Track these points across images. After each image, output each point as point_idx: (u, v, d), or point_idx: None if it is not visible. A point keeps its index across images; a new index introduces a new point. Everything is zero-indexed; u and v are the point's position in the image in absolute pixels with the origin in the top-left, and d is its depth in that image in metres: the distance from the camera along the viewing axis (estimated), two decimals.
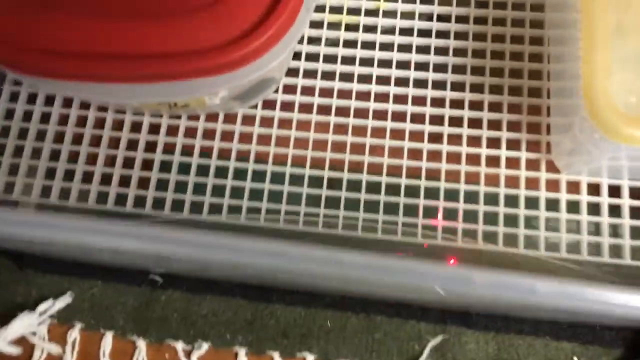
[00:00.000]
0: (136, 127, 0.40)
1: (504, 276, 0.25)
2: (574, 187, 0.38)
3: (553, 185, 0.37)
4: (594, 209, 0.37)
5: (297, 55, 0.40)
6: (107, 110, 0.40)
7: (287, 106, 0.40)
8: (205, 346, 0.40)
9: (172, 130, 0.40)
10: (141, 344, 0.40)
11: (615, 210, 0.37)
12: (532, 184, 0.38)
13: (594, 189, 0.38)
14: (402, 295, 0.39)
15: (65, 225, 0.28)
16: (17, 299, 0.42)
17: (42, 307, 0.41)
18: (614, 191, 0.38)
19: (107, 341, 0.41)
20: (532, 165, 0.38)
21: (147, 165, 0.39)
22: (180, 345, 0.40)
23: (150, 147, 0.40)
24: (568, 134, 0.34)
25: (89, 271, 0.42)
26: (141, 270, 0.42)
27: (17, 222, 0.28)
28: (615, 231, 0.37)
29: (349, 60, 0.40)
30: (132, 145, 0.40)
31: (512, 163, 0.38)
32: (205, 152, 0.39)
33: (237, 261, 0.29)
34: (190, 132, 0.40)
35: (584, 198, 0.37)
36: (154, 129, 0.40)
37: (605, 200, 0.37)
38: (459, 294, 0.26)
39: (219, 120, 0.39)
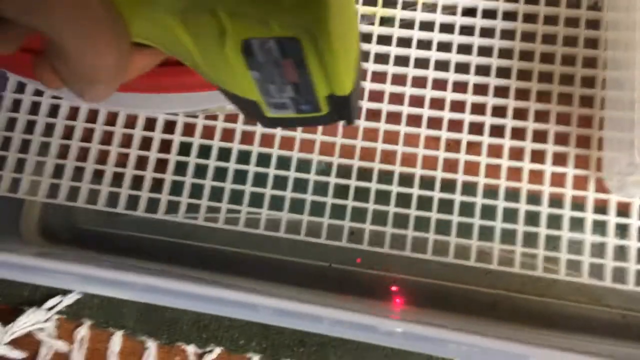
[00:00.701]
0: (150, 125, 0.38)
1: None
2: (623, 209, 0.34)
3: (600, 206, 0.34)
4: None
5: None
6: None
7: None
8: (217, 350, 0.38)
9: (189, 130, 0.37)
10: (151, 345, 0.39)
11: None
12: (576, 202, 0.34)
13: None
14: None
15: (61, 272, 0.26)
16: (24, 293, 0.40)
17: (50, 303, 0.39)
18: None
19: (116, 340, 0.39)
20: (579, 182, 0.35)
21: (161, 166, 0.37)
22: (191, 349, 0.39)
23: (165, 146, 0.37)
24: (626, 152, 0.31)
25: None
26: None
27: (17, 267, 0.27)
28: None
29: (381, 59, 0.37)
30: (146, 144, 0.37)
31: (557, 179, 0.35)
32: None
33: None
34: (209, 131, 0.37)
35: (636, 223, 0.34)
36: (169, 127, 0.37)
37: None
38: None
39: (238, 121, 0.36)
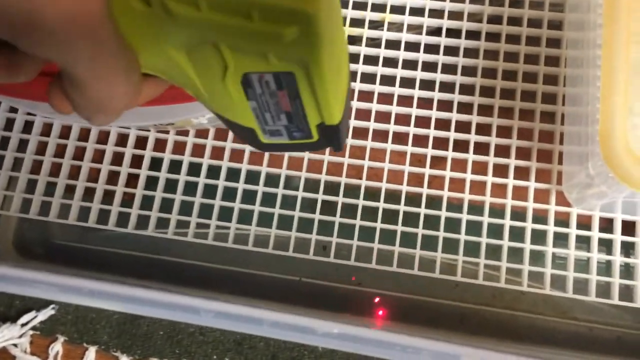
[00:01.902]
0: (123, 139, 0.39)
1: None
2: (585, 221, 0.35)
3: (563, 219, 0.35)
4: (606, 245, 0.35)
5: None
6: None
7: None
8: None
9: (161, 146, 0.38)
10: None
11: (629, 248, 0.35)
12: (539, 215, 0.35)
13: (608, 224, 0.35)
14: None
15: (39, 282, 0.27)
16: None
17: (24, 318, 0.40)
18: (629, 227, 0.35)
19: (90, 355, 0.39)
20: (542, 196, 0.35)
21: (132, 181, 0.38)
22: None
23: (136, 161, 0.38)
24: (582, 167, 0.32)
25: None
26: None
27: None
28: (628, 271, 0.35)
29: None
30: (118, 159, 0.38)
31: (520, 192, 0.36)
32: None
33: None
34: (179, 147, 0.38)
35: (596, 234, 0.35)
36: (141, 143, 0.38)
37: (618, 237, 0.35)
38: None
39: (209, 136, 0.37)
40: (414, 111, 0.37)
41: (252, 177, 0.37)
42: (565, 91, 0.36)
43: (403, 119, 0.37)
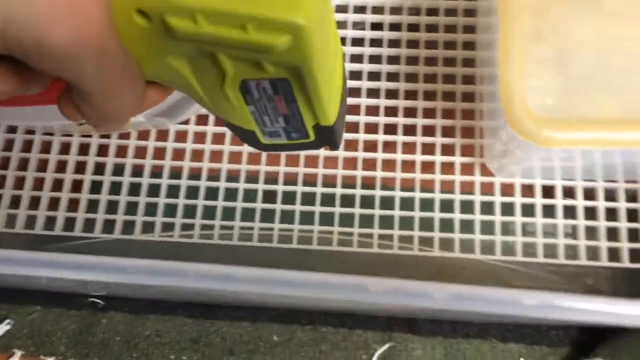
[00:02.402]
0: (65, 148, 0.40)
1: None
2: (508, 189, 0.38)
3: (488, 188, 0.38)
4: (529, 209, 0.37)
5: None
6: (34, 133, 0.39)
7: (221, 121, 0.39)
8: None
9: (103, 150, 0.39)
10: None
11: (549, 210, 0.38)
12: (467, 187, 0.38)
13: (529, 190, 0.38)
14: (344, 305, 0.39)
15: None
16: None
17: None
18: (549, 191, 0.38)
19: None
20: (467, 169, 0.38)
21: (77, 186, 0.39)
22: None
23: (80, 167, 0.39)
24: (497, 137, 0.34)
25: (27, 296, 0.41)
26: (82, 293, 0.42)
27: None
28: (550, 231, 0.38)
29: None
30: (61, 166, 0.39)
31: (447, 168, 0.38)
32: (139, 171, 0.39)
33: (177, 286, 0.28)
34: (122, 151, 0.39)
35: (518, 200, 0.37)
36: (84, 149, 0.39)
37: (539, 201, 0.37)
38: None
39: (150, 137, 0.39)
40: None
41: (194, 177, 0.38)
42: (482, 72, 0.39)
43: None
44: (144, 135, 0.39)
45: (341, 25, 0.41)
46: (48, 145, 0.40)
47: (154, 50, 0.18)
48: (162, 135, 0.39)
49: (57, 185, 0.39)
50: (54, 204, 0.38)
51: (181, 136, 0.39)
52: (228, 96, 0.19)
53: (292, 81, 0.18)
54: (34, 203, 0.38)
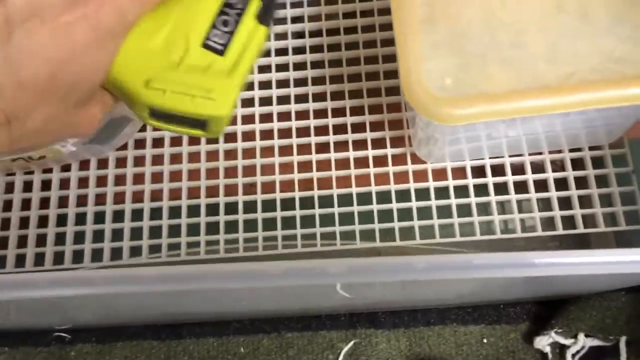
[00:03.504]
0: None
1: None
2: (440, 174, 0.39)
3: (421, 176, 0.39)
4: (462, 191, 0.39)
5: None
6: None
7: (158, 142, 0.41)
8: None
9: (46, 186, 0.40)
10: None
11: (482, 190, 0.39)
12: (401, 178, 0.39)
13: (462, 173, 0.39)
14: (305, 304, 0.40)
15: None
16: None
17: None
18: (480, 171, 0.39)
19: None
20: (399, 160, 0.39)
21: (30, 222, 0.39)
22: None
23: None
24: (416, 124, 0.36)
25: None
26: (47, 329, 0.42)
27: None
28: (485, 209, 0.39)
29: None
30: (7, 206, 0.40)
31: (380, 161, 0.39)
32: (82, 202, 0.40)
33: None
34: (65, 184, 0.40)
35: (451, 183, 0.39)
36: (28, 186, 0.40)
37: (470, 181, 0.39)
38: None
39: (90, 167, 0.40)
40: (275, 108, 0.41)
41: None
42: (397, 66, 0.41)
43: (265, 119, 0.41)
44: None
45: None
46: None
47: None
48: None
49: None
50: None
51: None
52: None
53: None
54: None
